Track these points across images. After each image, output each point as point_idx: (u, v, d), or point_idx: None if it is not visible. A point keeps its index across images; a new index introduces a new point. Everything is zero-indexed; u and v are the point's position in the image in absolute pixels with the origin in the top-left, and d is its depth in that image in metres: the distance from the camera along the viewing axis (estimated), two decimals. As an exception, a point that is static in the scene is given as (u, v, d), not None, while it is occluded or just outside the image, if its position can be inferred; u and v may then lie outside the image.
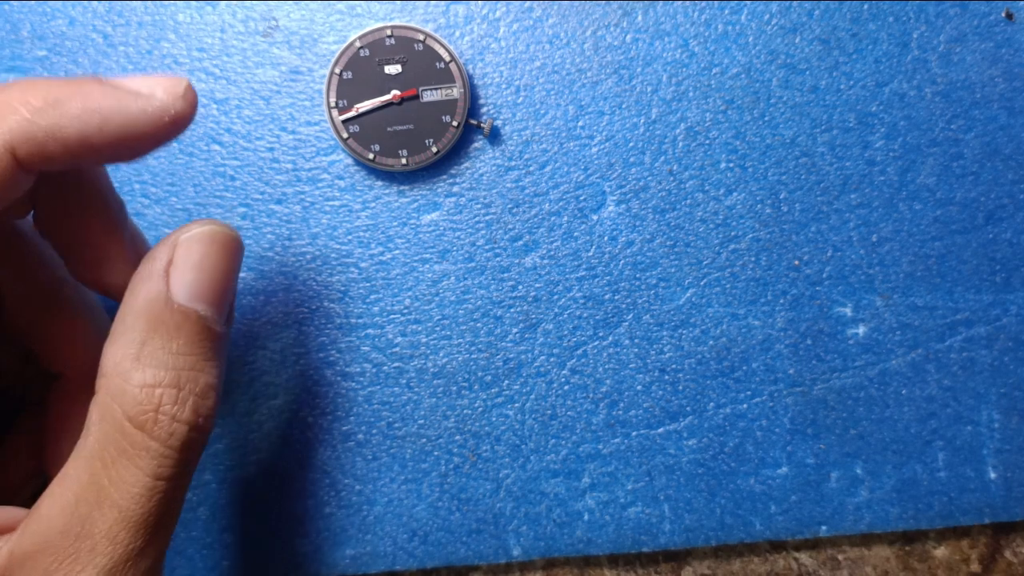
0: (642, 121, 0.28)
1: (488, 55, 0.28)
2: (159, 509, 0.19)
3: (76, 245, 0.21)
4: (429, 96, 0.27)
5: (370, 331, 0.28)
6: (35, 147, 0.18)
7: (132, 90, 0.19)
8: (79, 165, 0.20)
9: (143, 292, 0.19)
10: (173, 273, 0.20)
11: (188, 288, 0.20)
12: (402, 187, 0.28)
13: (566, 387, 0.28)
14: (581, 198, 0.28)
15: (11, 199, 0.19)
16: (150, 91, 0.19)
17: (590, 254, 0.28)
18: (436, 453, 0.28)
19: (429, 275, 0.28)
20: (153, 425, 0.19)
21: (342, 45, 0.27)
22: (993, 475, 0.29)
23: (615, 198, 0.28)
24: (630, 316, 0.28)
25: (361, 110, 0.27)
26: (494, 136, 0.28)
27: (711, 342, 0.28)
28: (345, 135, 0.27)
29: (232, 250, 0.21)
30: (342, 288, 0.28)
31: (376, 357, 0.28)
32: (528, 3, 0.28)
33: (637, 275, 0.28)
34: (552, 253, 0.28)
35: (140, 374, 0.19)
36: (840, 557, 0.29)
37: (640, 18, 0.28)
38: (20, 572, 0.18)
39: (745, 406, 0.28)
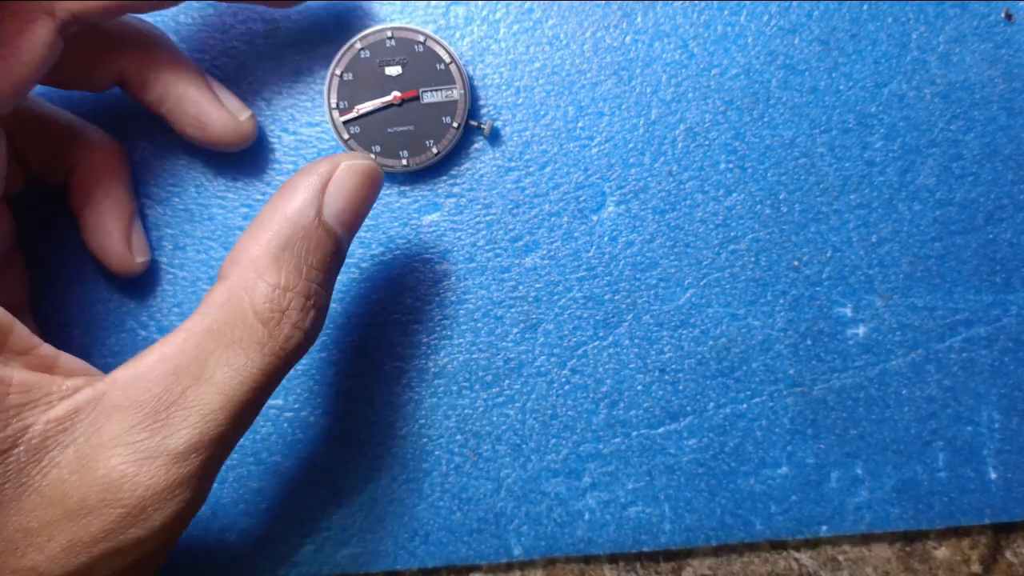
0: (642, 122, 0.28)
1: (488, 56, 0.28)
2: (252, 402, 0.20)
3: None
4: (429, 97, 0.27)
5: (371, 331, 0.28)
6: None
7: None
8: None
9: (297, 202, 0.21)
10: (328, 194, 0.21)
11: (337, 213, 0.21)
12: (403, 188, 0.28)
13: (566, 387, 0.28)
14: (581, 199, 0.28)
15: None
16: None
17: (590, 254, 0.28)
18: (437, 452, 0.28)
19: (430, 275, 0.28)
20: (275, 325, 0.20)
21: (343, 47, 0.27)
22: (993, 475, 0.29)
23: (615, 199, 0.28)
24: (630, 316, 0.28)
25: (362, 111, 0.27)
26: (494, 137, 0.28)
27: (711, 342, 0.28)
28: (346, 136, 0.27)
29: (377, 189, 0.23)
30: (343, 288, 0.28)
31: (377, 357, 0.28)
32: (528, 4, 0.28)
33: (637, 275, 0.28)
34: (552, 253, 0.28)
35: (276, 274, 0.20)
36: (841, 558, 0.29)
37: (639, 19, 0.28)
38: (104, 420, 0.19)
39: (745, 406, 0.28)
